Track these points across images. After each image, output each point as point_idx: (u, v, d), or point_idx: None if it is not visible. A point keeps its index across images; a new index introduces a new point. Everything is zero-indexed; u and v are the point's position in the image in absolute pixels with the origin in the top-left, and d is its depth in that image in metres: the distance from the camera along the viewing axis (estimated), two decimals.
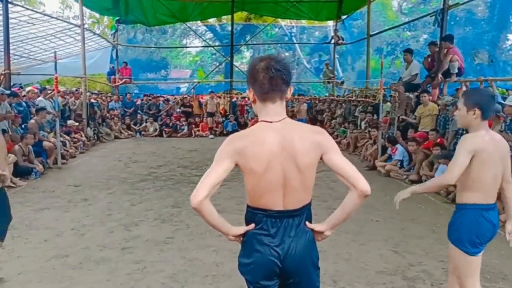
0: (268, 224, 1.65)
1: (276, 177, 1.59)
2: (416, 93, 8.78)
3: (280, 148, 1.57)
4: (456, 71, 7.83)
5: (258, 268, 1.66)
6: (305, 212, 1.69)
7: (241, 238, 1.71)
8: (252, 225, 1.67)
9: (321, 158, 1.64)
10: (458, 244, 2.31)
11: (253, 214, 1.68)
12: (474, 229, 2.30)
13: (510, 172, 2.36)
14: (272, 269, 1.66)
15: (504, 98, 7.10)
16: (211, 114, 14.32)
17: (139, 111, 14.70)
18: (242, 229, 1.69)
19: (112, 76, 15.69)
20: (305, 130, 1.66)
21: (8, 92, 7.83)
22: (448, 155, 6.43)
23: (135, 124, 13.84)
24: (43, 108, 8.70)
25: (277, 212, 1.63)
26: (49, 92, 10.65)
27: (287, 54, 21.30)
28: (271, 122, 1.62)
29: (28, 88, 9.88)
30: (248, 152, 1.57)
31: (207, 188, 1.53)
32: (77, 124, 10.53)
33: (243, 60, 23.02)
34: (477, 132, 2.25)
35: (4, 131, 7.03)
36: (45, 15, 13.18)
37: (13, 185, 6.28)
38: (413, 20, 13.36)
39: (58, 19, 14.30)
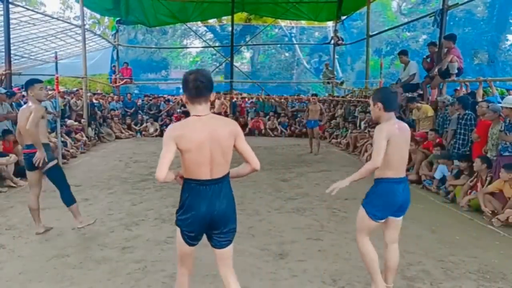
0: (200, 190, 2.22)
1: (205, 155, 2.17)
2: (413, 94, 8.80)
3: (208, 135, 2.16)
4: (456, 71, 7.84)
5: (193, 222, 2.25)
6: (226, 180, 2.28)
7: (180, 180, 2.29)
8: (179, 172, 2.28)
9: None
10: (368, 208, 2.84)
11: (189, 183, 2.24)
12: (385, 197, 2.82)
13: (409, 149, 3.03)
14: (204, 223, 2.26)
15: (503, 98, 7.12)
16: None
17: (139, 111, 14.71)
18: (173, 175, 2.24)
19: (113, 76, 15.72)
20: (224, 121, 2.30)
21: (4, 91, 7.84)
22: (447, 156, 6.45)
23: (135, 124, 13.85)
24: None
25: (207, 180, 2.21)
26: (49, 92, 10.67)
27: (287, 54, 21.34)
28: (200, 116, 2.21)
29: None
30: (186, 137, 2.14)
31: (165, 167, 2.13)
32: (76, 123, 10.55)
33: (243, 60, 23.05)
34: (388, 121, 2.80)
35: (8, 132, 7.05)
36: (45, 15, 13.20)
37: (13, 185, 6.30)
38: (412, 21, 13.37)
39: (59, 20, 14.32)
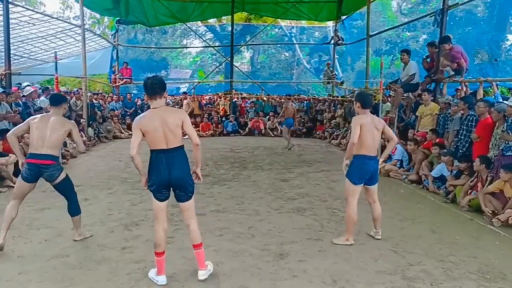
0: (159, 156, 3.09)
1: (160, 134, 3.06)
2: (416, 93, 8.81)
3: (160, 121, 3.05)
4: (452, 73, 7.88)
5: (158, 184, 3.10)
6: (179, 150, 3.13)
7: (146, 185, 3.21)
8: (145, 181, 3.22)
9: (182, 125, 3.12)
10: (349, 177, 4.04)
11: (152, 153, 3.13)
12: (359, 168, 4.02)
13: (391, 135, 4.21)
14: (165, 183, 3.10)
15: (505, 98, 7.11)
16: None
17: (139, 111, 14.70)
18: (144, 180, 3.21)
19: (112, 76, 15.70)
20: (173, 111, 3.20)
21: (1, 90, 7.84)
22: (452, 153, 6.45)
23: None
24: (41, 108, 8.71)
25: (163, 149, 3.09)
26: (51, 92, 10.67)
27: (287, 54, 21.32)
28: (155, 108, 3.10)
29: (28, 89, 9.88)
30: (145, 124, 3.07)
31: (135, 147, 3.08)
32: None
33: (243, 60, 23.03)
34: (362, 115, 4.03)
35: (7, 131, 7.03)
36: (45, 15, 13.17)
37: (13, 185, 6.28)
38: (412, 21, 13.34)
39: (58, 20, 14.29)
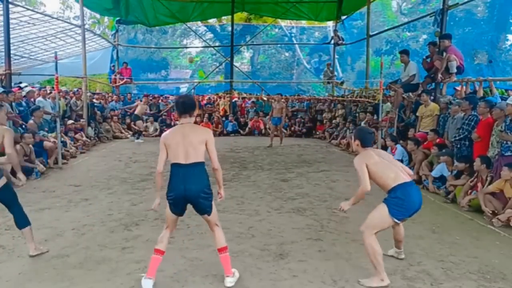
0: (179, 171, 3.10)
1: (181, 149, 3.09)
2: (415, 94, 8.81)
3: (182, 136, 3.11)
4: (455, 70, 7.84)
5: (174, 197, 3.11)
6: (198, 166, 3.11)
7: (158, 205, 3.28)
8: (158, 202, 3.27)
9: (206, 144, 3.15)
10: (394, 214, 3.28)
11: (172, 167, 3.14)
12: (407, 200, 3.32)
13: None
14: (180, 197, 3.10)
15: (503, 98, 7.11)
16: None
17: None
18: (157, 201, 3.26)
19: (112, 76, 15.70)
20: (199, 129, 3.26)
21: (1, 90, 7.84)
22: (450, 153, 6.45)
23: (135, 124, 13.82)
24: (38, 107, 8.71)
25: (182, 164, 3.09)
26: (48, 92, 10.67)
27: (287, 54, 21.32)
28: (182, 124, 3.19)
29: (27, 89, 9.89)
30: (169, 138, 3.15)
31: (161, 163, 3.18)
32: (71, 121, 10.56)
33: (243, 60, 23.04)
34: (364, 153, 3.40)
35: None
36: (45, 15, 13.17)
37: None
38: (412, 21, 13.35)
39: (58, 20, 14.30)
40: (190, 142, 3.07)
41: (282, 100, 12.77)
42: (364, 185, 3.24)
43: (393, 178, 3.27)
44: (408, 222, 4.84)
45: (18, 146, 6.93)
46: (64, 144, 8.81)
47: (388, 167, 3.33)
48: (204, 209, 3.16)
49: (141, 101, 13.36)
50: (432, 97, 7.94)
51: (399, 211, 3.26)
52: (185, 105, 3.17)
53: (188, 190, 3.05)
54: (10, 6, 9.60)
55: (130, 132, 13.34)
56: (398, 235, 3.65)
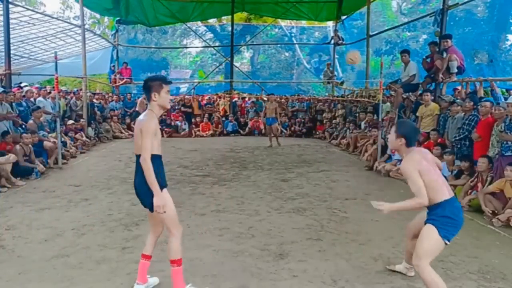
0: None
1: (136, 139, 2.93)
2: (415, 94, 8.81)
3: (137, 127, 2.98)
4: (456, 70, 7.84)
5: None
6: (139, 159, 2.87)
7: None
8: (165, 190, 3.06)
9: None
10: (444, 233, 2.78)
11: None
12: (455, 218, 2.81)
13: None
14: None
15: (504, 98, 7.10)
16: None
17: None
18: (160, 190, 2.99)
19: (112, 76, 15.70)
20: (140, 118, 2.98)
21: (1, 90, 7.84)
22: (452, 151, 6.45)
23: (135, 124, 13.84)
24: (38, 107, 8.71)
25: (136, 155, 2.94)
26: (48, 92, 10.68)
27: (287, 54, 21.33)
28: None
29: (26, 88, 9.89)
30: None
31: (149, 152, 2.84)
32: (71, 121, 10.55)
33: (243, 60, 23.04)
34: (412, 154, 2.86)
35: (6, 133, 7.04)
36: (45, 15, 13.19)
37: (8, 186, 6.24)
38: (412, 20, 13.36)
39: (58, 20, 14.31)
40: (135, 132, 2.98)
41: (276, 100, 12.73)
42: (421, 199, 2.73)
43: (443, 192, 2.80)
44: (408, 221, 4.82)
45: (18, 146, 6.95)
46: (64, 144, 8.81)
47: (437, 176, 2.86)
48: (144, 204, 3.12)
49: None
50: (432, 97, 7.94)
51: (449, 231, 2.78)
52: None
53: (135, 181, 3.06)
54: (10, 6, 9.60)
55: (130, 132, 13.36)
56: (414, 248, 3.11)
